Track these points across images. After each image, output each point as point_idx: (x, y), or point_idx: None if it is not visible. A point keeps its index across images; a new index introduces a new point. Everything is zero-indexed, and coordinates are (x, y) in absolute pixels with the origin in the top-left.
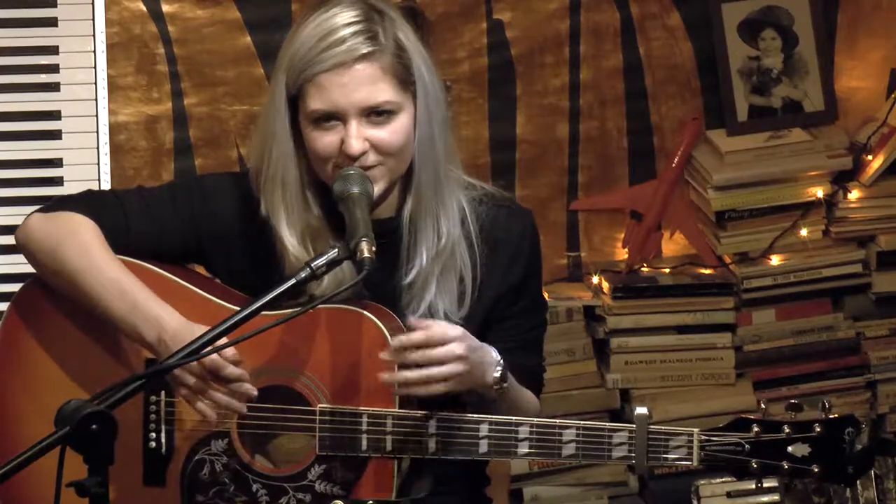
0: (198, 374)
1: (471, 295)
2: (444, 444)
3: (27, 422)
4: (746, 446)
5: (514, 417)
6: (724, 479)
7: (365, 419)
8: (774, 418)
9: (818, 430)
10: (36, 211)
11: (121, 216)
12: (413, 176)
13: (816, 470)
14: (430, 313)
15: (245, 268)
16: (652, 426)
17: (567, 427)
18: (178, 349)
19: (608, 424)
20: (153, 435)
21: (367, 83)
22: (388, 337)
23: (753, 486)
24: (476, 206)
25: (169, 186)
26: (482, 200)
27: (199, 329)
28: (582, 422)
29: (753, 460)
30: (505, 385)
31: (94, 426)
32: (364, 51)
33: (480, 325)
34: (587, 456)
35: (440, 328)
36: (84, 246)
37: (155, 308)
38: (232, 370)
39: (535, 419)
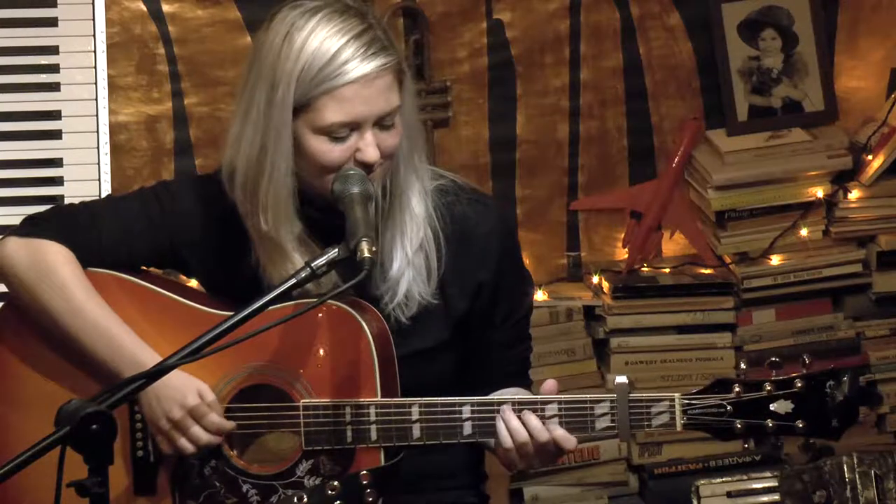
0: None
1: (436, 271)
2: (428, 430)
3: (12, 432)
4: (728, 407)
5: (496, 397)
6: (724, 479)
7: (348, 410)
8: (755, 378)
9: (799, 385)
10: (10, 233)
11: (92, 231)
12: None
13: (801, 426)
14: (406, 297)
15: (217, 267)
16: (633, 394)
17: (549, 402)
18: (158, 394)
19: (589, 396)
20: (140, 444)
21: (385, 92)
22: (368, 331)
23: (754, 486)
24: (444, 196)
25: (138, 193)
26: (448, 190)
27: (181, 375)
28: (564, 396)
29: (737, 421)
30: None
31: (94, 426)
32: (384, 62)
33: (457, 320)
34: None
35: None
36: (62, 284)
37: (138, 354)
38: (212, 417)
39: (518, 397)
